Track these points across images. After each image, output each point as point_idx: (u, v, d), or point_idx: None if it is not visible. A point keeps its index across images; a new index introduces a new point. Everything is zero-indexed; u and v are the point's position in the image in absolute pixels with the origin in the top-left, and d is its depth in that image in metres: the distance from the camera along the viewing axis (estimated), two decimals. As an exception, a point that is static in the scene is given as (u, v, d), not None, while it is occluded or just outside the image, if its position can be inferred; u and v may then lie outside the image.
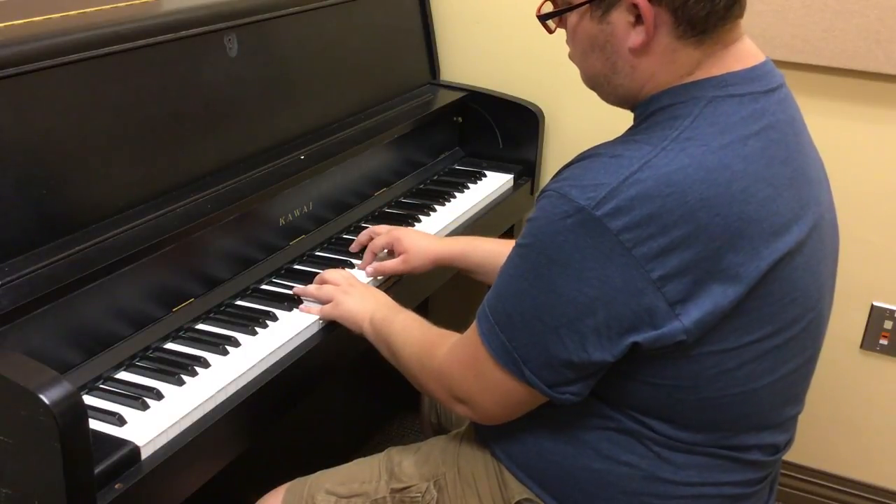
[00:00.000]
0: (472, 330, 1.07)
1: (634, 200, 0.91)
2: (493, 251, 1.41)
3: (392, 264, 1.46)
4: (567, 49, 1.08)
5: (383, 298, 1.33)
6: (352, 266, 1.51)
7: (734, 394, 1.01)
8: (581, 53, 1.06)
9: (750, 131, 0.96)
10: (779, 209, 0.97)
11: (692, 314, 0.94)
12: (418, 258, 1.45)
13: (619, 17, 0.98)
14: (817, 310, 1.06)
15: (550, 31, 1.09)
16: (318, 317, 1.35)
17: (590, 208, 0.92)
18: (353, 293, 1.34)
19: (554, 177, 1.01)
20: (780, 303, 0.99)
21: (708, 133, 0.95)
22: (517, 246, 1.01)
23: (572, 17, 1.03)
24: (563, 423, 1.08)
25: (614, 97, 1.07)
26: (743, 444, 1.06)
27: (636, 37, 0.98)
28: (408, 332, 1.21)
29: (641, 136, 0.97)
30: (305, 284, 1.43)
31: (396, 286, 1.52)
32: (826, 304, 1.09)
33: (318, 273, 1.47)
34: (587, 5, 1.00)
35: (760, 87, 1.00)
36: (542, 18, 1.07)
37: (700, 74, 0.99)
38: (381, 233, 1.51)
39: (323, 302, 1.36)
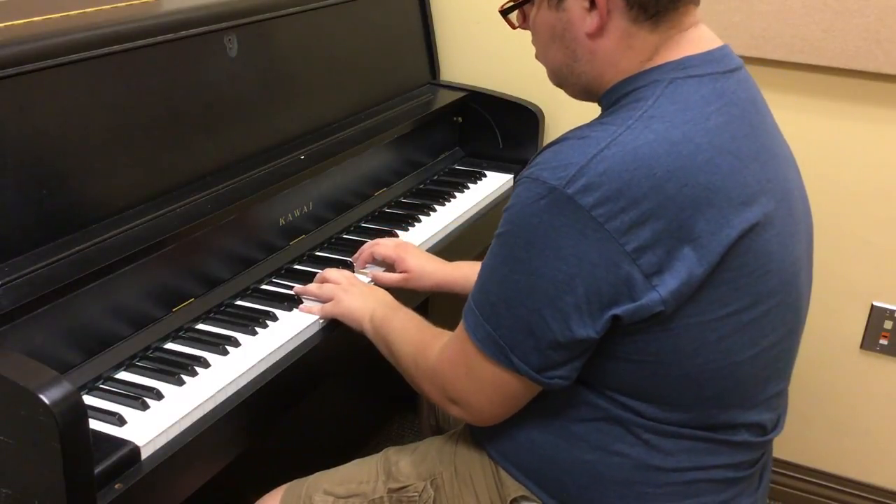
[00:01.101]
0: (460, 327, 1.08)
1: (603, 176, 0.93)
2: None
3: (392, 279, 1.46)
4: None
5: (384, 297, 1.33)
6: (352, 266, 1.51)
7: (715, 368, 1.02)
8: (543, 47, 1.10)
9: (712, 108, 0.99)
10: (745, 180, 0.99)
11: (668, 284, 0.95)
12: (420, 281, 1.45)
13: (574, 4, 1.02)
14: (794, 284, 1.07)
15: (513, 27, 1.13)
16: (318, 317, 1.35)
17: (561, 187, 0.94)
18: (353, 291, 1.34)
19: (526, 166, 1.03)
20: (755, 274, 1.00)
21: (670, 111, 0.98)
22: (496, 236, 1.02)
23: (532, 11, 1.08)
24: (553, 416, 1.09)
25: (580, 88, 1.10)
26: (730, 423, 1.07)
27: (591, 21, 1.01)
28: (405, 332, 1.22)
29: (607, 119, 1.00)
30: (305, 284, 1.43)
31: (396, 288, 1.51)
32: (803, 281, 1.11)
33: (318, 273, 1.47)
34: None
35: (719, 68, 1.03)
36: (503, 13, 1.12)
37: (659, 60, 1.02)
38: (387, 245, 1.49)
39: (324, 300, 1.36)
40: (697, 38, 1.04)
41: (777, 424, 1.16)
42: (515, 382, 1.04)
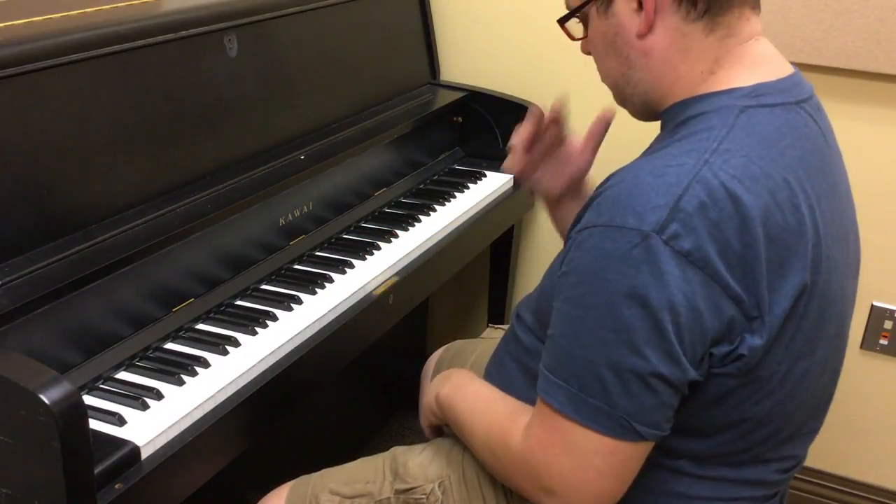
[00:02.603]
0: (546, 409, 0.96)
1: (694, 217, 0.88)
2: None
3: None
4: (569, 50, 1.08)
5: (455, 373, 1.23)
6: (352, 266, 1.51)
7: (772, 414, 0.99)
8: (601, 61, 1.07)
9: (786, 142, 0.95)
10: (817, 221, 0.95)
11: (761, 329, 0.92)
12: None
13: (622, 6, 1.00)
14: (845, 326, 1.05)
15: (572, 38, 1.10)
16: (317, 317, 1.34)
17: (656, 233, 0.88)
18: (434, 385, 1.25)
19: (583, 214, 0.96)
20: (819, 320, 0.97)
21: (746, 143, 0.92)
22: (571, 299, 0.94)
23: (589, 24, 1.05)
24: None
25: (640, 101, 1.05)
26: (763, 458, 1.05)
27: (641, 22, 0.99)
28: (475, 417, 1.11)
29: (676, 150, 0.93)
30: (305, 285, 1.43)
31: (397, 285, 1.52)
32: (849, 320, 1.08)
33: (317, 273, 1.48)
34: (591, 3, 1.02)
35: (792, 97, 0.99)
36: (560, 22, 1.09)
37: (725, 78, 0.98)
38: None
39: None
40: (763, 56, 1.00)
41: (804, 457, 1.13)
42: (632, 448, 0.94)
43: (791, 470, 1.10)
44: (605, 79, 1.09)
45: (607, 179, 0.98)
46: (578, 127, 1.32)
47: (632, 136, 1.23)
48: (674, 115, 1.01)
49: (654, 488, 1.04)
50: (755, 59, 0.99)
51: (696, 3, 0.96)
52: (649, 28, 0.98)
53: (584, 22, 1.07)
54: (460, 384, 1.19)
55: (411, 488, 1.18)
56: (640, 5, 0.98)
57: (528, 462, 0.99)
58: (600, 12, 1.02)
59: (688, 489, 1.04)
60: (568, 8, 1.08)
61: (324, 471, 1.26)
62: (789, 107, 0.98)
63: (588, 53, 1.10)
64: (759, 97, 0.96)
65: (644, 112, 1.07)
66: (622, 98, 1.08)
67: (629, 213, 0.89)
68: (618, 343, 0.90)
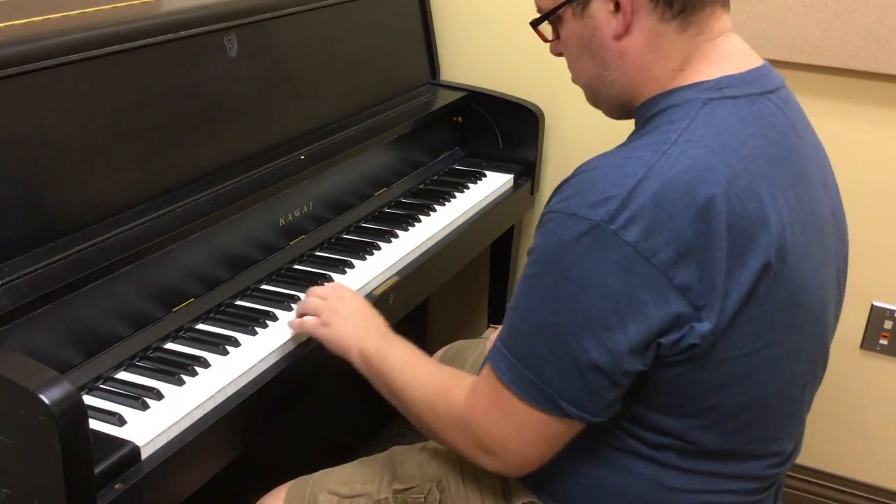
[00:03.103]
0: (489, 373, 1.01)
1: (645, 209, 0.90)
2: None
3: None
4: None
5: (375, 323, 1.24)
6: (352, 266, 1.51)
7: (743, 401, 1.00)
8: (574, 62, 1.08)
9: (748, 132, 0.96)
10: (780, 209, 0.96)
11: (711, 317, 0.92)
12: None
13: (599, 8, 1.00)
14: (823, 316, 1.05)
15: (545, 40, 1.11)
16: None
17: (604, 223, 0.90)
18: (342, 311, 1.25)
19: (551, 198, 0.98)
20: (788, 307, 0.98)
21: (706, 134, 0.94)
22: (526, 277, 0.97)
23: (563, 26, 1.05)
24: None
25: (614, 101, 1.07)
26: (750, 452, 1.05)
27: (618, 23, 0.99)
28: (411, 372, 1.13)
29: (639, 143, 0.96)
30: (305, 285, 1.43)
31: (397, 285, 1.52)
32: (831, 312, 1.08)
33: (317, 273, 1.48)
34: (567, 5, 1.03)
35: (757, 89, 1.00)
36: (533, 24, 1.10)
37: (692, 73, 1.00)
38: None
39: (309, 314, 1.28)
40: (731, 50, 1.01)
41: (794, 451, 1.14)
42: (561, 424, 0.98)
43: (781, 466, 1.11)
44: (577, 79, 1.10)
45: (577, 169, 1.00)
46: (577, 127, 1.32)
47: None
48: (644, 112, 1.03)
49: (641, 482, 1.05)
50: (723, 54, 1.01)
51: (671, 4, 0.98)
52: (626, 29, 1.00)
53: (558, 24, 1.08)
54: (388, 338, 1.20)
55: (409, 488, 1.18)
56: (617, 7, 0.99)
57: (468, 422, 1.03)
58: (576, 14, 1.03)
59: (675, 482, 1.04)
60: (540, 10, 1.08)
61: (322, 471, 1.26)
62: (754, 98, 0.99)
63: (559, 55, 1.11)
64: (722, 89, 0.98)
65: (618, 111, 1.09)
66: (596, 98, 1.10)
67: (584, 203, 0.92)
68: (557, 325, 0.94)
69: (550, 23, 1.09)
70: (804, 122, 1.06)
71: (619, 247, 0.90)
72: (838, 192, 1.12)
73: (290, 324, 1.31)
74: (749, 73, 1.00)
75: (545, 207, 0.98)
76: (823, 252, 1.04)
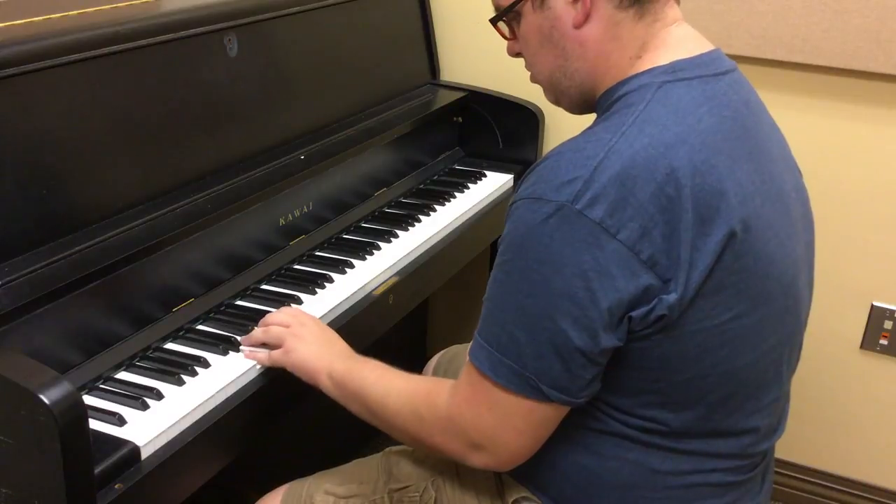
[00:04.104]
0: (469, 369, 1.02)
1: (608, 187, 0.93)
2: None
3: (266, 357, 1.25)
4: None
5: (339, 346, 1.22)
6: (352, 266, 1.51)
7: (717, 373, 1.02)
8: (534, 56, 1.10)
9: (703, 110, 0.99)
10: (739, 180, 0.99)
11: (678, 288, 0.95)
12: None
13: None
14: (793, 287, 1.07)
15: (505, 37, 1.14)
16: (318, 317, 1.33)
17: (570, 203, 0.93)
18: (305, 337, 1.21)
19: (518, 187, 1.01)
20: (754, 277, 1.00)
21: (662, 114, 0.97)
22: (498, 265, 0.99)
23: (521, 21, 1.08)
24: None
25: (576, 94, 1.09)
26: (730, 428, 1.06)
27: (577, 13, 1.02)
28: (388, 384, 1.12)
29: (599, 128, 0.99)
30: (305, 285, 1.43)
31: (397, 285, 1.52)
32: (803, 283, 1.10)
33: (317, 273, 1.47)
34: (525, 0, 1.05)
35: (709, 70, 1.03)
36: (492, 21, 1.12)
37: (648, 60, 1.03)
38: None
39: (271, 347, 1.23)
40: (684, 37, 1.05)
41: (777, 429, 1.15)
42: (545, 409, 1.00)
43: (761, 443, 1.11)
44: (538, 76, 1.13)
45: (541, 158, 1.02)
46: (577, 127, 1.32)
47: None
48: (604, 101, 1.06)
49: (628, 467, 1.06)
50: (677, 40, 1.04)
51: None
52: (586, 18, 1.03)
53: (515, 21, 1.10)
54: (356, 359, 1.18)
55: (405, 487, 1.19)
56: None
57: (454, 420, 1.04)
58: (535, 7, 1.05)
59: (660, 465, 1.05)
60: (498, 8, 1.10)
61: (319, 473, 1.26)
62: (707, 79, 1.02)
63: (517, 55, 1.14)
64: (676, 72, 1.01)
65: (580, 103, 1.11)
66: (557, 93, 1.12)
67: (548, 186, 0.95)
68: (532, 308, 0.96)
69: (507, 22, 1.11)
70: (758, 101, 1.09)
71: (586, 225, 0.93)
72: (799, 170, 1.15)
73: (258, 359, 1.24)
74: (701, 56, 1.04)
75: (513, 197, 1.01)
76: (789, 224, 1.06)
